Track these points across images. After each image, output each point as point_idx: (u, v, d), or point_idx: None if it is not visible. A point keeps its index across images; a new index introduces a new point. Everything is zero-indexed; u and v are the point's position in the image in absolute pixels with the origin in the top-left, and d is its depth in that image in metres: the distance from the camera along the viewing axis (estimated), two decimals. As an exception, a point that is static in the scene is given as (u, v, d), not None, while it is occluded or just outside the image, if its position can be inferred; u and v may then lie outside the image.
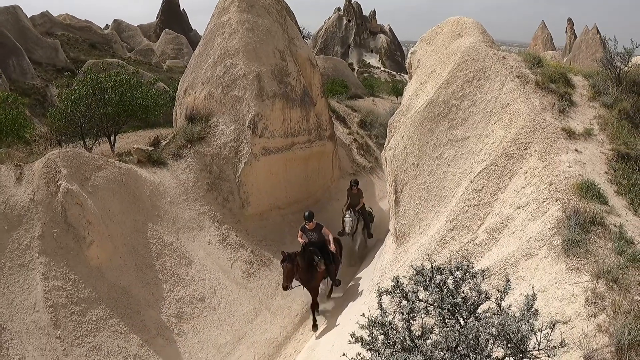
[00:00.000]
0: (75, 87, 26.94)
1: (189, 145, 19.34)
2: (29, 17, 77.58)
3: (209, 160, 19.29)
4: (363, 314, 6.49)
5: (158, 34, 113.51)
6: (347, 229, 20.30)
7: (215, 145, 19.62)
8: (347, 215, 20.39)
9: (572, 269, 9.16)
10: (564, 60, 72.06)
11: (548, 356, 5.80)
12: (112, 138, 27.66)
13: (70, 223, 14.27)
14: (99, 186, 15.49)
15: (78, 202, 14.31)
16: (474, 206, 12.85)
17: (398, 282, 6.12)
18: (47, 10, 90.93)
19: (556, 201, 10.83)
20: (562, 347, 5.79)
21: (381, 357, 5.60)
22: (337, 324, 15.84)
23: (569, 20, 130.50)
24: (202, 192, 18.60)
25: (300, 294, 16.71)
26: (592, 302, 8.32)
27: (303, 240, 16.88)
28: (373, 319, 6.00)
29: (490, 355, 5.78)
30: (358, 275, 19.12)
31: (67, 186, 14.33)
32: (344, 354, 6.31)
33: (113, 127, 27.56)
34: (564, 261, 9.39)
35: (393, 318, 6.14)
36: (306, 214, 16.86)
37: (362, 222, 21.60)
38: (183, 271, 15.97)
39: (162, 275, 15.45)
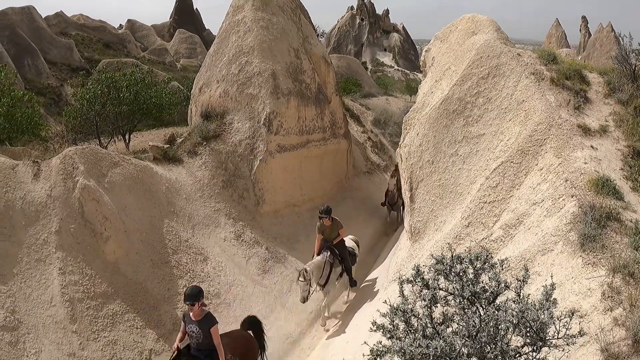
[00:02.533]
0: (90, 86, 27.17)
1: (204, 143, 19.42)
2: (43, 17, 78.03)
3: (224, 158, 19.37)
4: (385, 301, 6.55)
5: (172, 34, 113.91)
6: (300, 297, 15.75)
7: (231, 143, 19.70)
8: (304, 272, 15.56)
9: (589, 264, 9.18)
10: (579, 59, 71.76)
11: (567, 344, 5.83)
12: (127, 136, 27.85)
13: (87, 219, 14.38)
14: (116, 182, 15.59)
15: (95, 198, 14.40)
16: (489, 203, 12.87)
17: (419, 270, 6.17)
18: (61, 11, 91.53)
19: (572, 197, 10.84)
20: (581, 336, 5.83)
21: (403, 345, 5.65)
22: (352, 321, 15.88)
23: (583, 18, 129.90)
24: (217, 189, 18.68)
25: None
26: (608, 296, 8.34)
27: (177, 343, 11.13)
28: (395, 306, 6.05)
29: (510, 344, 5.82)
30: (371, 276, 19.06)
31: (84, 182, 14.43)
32: (365, 342, 6.37)
33: (128, 125, 27.79)
34: (580, 256, 9.41)
35: (414, 307, 6.19)
36: (187, 290, 10.70)
37: (341, 267, 17.00)
38: (199, 267, 16.04)
39: (178, 271, 15.52)
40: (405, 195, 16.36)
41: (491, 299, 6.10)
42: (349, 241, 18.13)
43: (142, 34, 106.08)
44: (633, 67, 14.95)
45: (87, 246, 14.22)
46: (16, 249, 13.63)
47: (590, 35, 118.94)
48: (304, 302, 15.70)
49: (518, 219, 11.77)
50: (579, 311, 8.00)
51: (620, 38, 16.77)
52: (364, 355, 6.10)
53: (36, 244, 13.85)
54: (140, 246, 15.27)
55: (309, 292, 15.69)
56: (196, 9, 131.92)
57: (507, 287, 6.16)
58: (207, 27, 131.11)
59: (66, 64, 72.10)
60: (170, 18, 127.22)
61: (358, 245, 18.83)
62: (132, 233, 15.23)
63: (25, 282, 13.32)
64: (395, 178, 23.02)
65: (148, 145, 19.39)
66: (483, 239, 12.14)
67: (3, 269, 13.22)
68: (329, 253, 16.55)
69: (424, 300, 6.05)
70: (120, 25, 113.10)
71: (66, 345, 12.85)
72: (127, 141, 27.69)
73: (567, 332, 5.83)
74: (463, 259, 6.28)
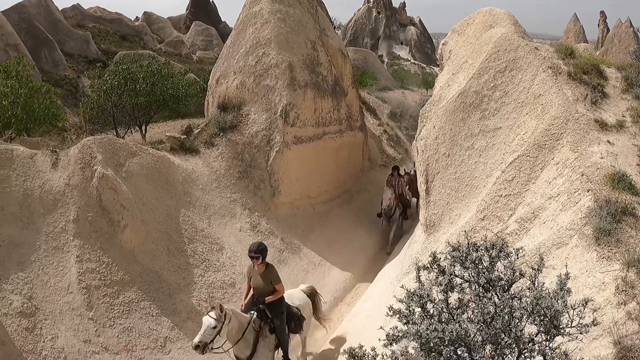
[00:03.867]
0: (107, 78, 27.26)
1: (221, 134, 19.53)
2: (60, 9, 78.39)
3: (240, 149, 19.47)
4: (402, 285, 6.62)
5: (188, 26, 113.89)
6: (195, 339, 10.56)
7: (247, 134, 19.80)
8: (219, 309, 10.77)
9: (603, 258, 9.21)
10: (597, 54, 71.34)
11: (580, 333, 5.88)
12: (143, 127, 27.98)
13: (104, 207, 14.50)
14: (133, 172, 15.71)
15: (112, 187, 14.51)
16: (505, 196, 12.88)
17: (435, 257, 6.24)
18: (77, 3, 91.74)
19: (588, 191, 10.84)
20: (594, 325, 5.87)
21: (419, 329, 5.71)
22: (366, 313, 15.93)
23: (602, 13, 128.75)
24: (233, 179, 18.78)
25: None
26: (622, 290, 8.36)
27: None
28: (412, 291, 6.12)
29: (523, 331, 5.88)
30: (385, 266, 19.08)
31: (102, 171, 14.54)
32: (381, 327, 6.43)
33: (144, 116, 27.88)
34: (595, 250, 9.43)
35: (430, 292, 6.26)
36: None
37: (273, 337, 12.14)
38: (214, 257, 16.15)
39: (194, 261, 15.63)
40: (421, 188, 16.38)
41: (506, 287, 6.16)
42: (299, 294, 13.98)
43: (159, 26, 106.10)
44: (651, 63, 14.89)
45: (105, 234, 14.35)
46: (34, 236, 13.76)
47: (608, 30, 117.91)
48: (198, 349, 10.54)
49: (533, 212, 11.79)
50: (593, 301, 8.03)
51: (638, 33, 16.69)
52: (379, 340, 6.17)
53: (54, 232, 13.98)
54: (156, 235, 15.39)
55: (214, 339, 10.65)
56: (212, 1, 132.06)
57: (522, 275, 6.23)
58: (223, 20, 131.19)
59: (83, 55, 72.40)
60: (187, 10, 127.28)
61: (315, 298, 14.64)
62: (148, 222, 15.36)
63: (43, 270, 13.46)
64: (392, 189, 21.60)
65: (165, 135, 19.53)
66: (498, 232, 12.16)
67: (21, 256, 13.36)
68: (255, 316, 11.95)
69: (440, 285, 6.12)
70: (137, 17, 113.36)
71: (82, 331, 12.99)
72: (144, 132, 27.83)
73: (581, 320, 5.88)
74: (479, 247, 6.36)
